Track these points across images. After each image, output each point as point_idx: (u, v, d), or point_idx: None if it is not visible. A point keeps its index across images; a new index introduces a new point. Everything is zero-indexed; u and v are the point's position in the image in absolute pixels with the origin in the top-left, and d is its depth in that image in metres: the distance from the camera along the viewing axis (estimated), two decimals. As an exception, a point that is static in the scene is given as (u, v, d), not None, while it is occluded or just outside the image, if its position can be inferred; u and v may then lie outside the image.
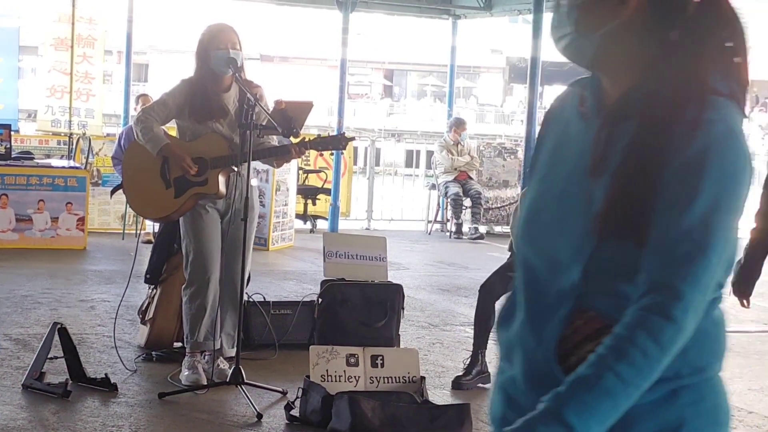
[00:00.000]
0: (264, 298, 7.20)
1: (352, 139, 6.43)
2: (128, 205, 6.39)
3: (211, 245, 6.13)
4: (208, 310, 6.15)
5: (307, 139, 6.16)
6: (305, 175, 14.69)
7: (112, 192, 11.90)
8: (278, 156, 6.17)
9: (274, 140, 6.25)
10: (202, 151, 6.01)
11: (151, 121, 5.99)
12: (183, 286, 6.25)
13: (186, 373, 6.13)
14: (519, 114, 49.23)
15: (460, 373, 6.56)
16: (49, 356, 5.88)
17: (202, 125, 6.07)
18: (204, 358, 6.27)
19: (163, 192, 6.07)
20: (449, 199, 14.79)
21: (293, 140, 6.12)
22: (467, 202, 14.87)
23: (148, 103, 6.29)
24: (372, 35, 47.99)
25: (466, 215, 15.02)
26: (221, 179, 6.03)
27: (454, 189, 14.64)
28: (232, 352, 6.24)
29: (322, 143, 6.16)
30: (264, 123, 6.01)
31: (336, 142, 6.16)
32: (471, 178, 14.72)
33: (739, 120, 1.94)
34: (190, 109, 6.06)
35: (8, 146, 11.33)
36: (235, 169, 6.09)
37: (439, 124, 36.93)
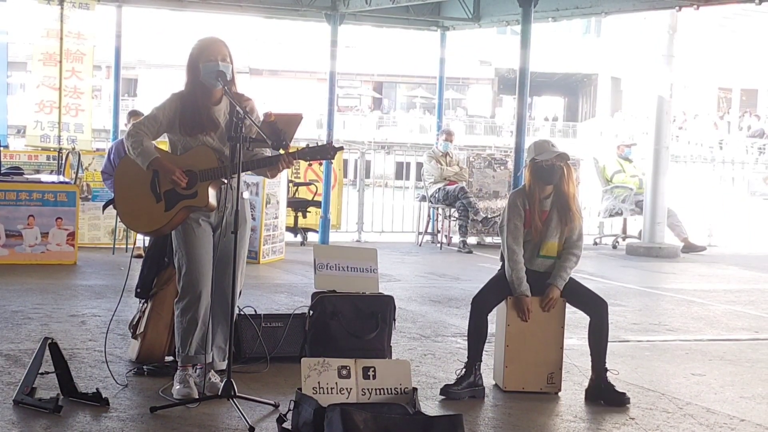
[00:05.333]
0: (255, 311, 7.19)
1: (341, 148, 6.42)
2: (119, 220, 6.35)
3: (202, 259, 6.13)
4: (200, 323, 6.14)
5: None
6: (295, 187, 14.69)
7: (104, 207, 11.87)
8: (266, 166, 6.17)
9: (267, 152, 6.25)
10: (191, 164, 6.00)
11: (141, 136, 5.99)
12: (175, 300, 6.24)
13: (177, 387, 6.12)
14: (508, 125, 49.35)
15: (451, 383, 6.56)
16: (40, 371, 5.86)
17: (192, 138, 6.06)
18: (195, 372, 6.26)
19: (153, 205, 6.06)
20: (446, 195, 14.76)
21: (282, 152, 6.11)
22: (454, 213, 14.89)
23: (139, 119, 6.28)
24: (361, 48, 48.12)
25: (454, 228, 15.05)
26: (211, 192, 6.02)
27: (448, 189, 14.71)
28: (223, 365, 6.23)
29: (310, 153, 6.15)
30: (254, 136, 6.01)
31: (324, 152, 6.15)
32: (464, 189, 14.71)
33: None
34: (181, 123, 6.06)
35: (-3, 162, 11.32)
36: (225, 181, 6.08)
37: (429, 136, 36.98)
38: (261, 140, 5.97)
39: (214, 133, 6.09)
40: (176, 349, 6.24)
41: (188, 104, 6.08)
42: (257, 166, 6.14)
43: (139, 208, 6.13)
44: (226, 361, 6.22)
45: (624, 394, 6.54)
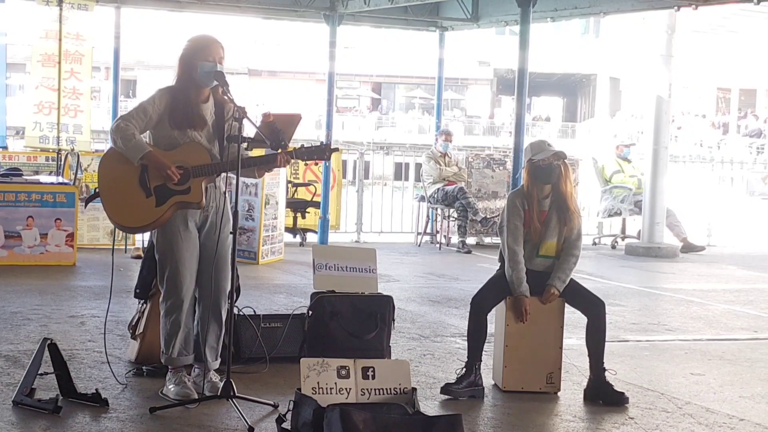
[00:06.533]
0: (254, 311, 7.19)
1: (336, 149, 6.43)
2: (106, 215, 6.21)
3: (187, 262, 6.08)
4: (182, 326, 6.12)
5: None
6: (294, 188, 14.68)
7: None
8: (264, 165, 6.16)
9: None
10: (182, 159, 5.97)
11: (132, 129, 5.91)
12: (160, 300, 6.23)
13: (172, 387, 6.11)
14: (507, 126, 49.34)
15: (451, 381, 6.57)
16: (39, 372, 5.86)
17: (181, 133, 6.01)
18: (194, 372, 6.26)
19: (143, 201, 5.98)
20: (445, 196, 14.76)
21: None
22: (453, 214, 14.89)
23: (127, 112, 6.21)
24: (360, 49, 48.12)
25: (453, 228, 15.05)
26: (204, 188, 6.02)
27: (447, 189, 14.72)
28: (216, 365, 6.23)
29: (307, 152, 6.17)
30: (252, 136, 6.02)
31: (320, 152, 6.17)
32: (463, 189, 14.71)
33: None
34: (171, 116, 6.01)
35: (-4, 163, 11.32)
36: (216, 178, 6.09)
37: (428, 137, 36.99)
38: (260, 140, 5.97)
39: (201, 131, 6.08)
40: (161, 350, 6.23)
41: (180, 98, 6.06)
42: (254, 164, 6.13)
43: (127, 204, 6.02)
44: (218, 360, 6.24)
45: (622, 393, 6.55)
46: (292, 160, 6.15)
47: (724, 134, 46.71)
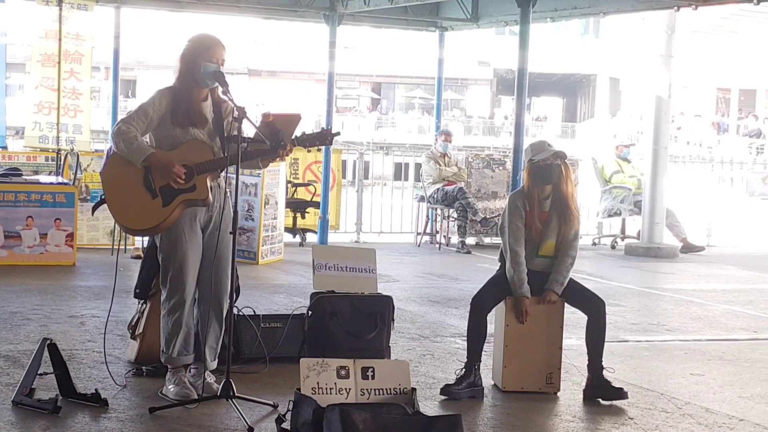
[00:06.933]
0: (254, 311, 7.19)
1: (338, 134, 6.44)
2: (114, 220, 6.21)
3: (190, 262, 6.08)
4: (183, 326, 6.12)
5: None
6: (294, 188, 14.68)
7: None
8: (266, 156, 6.16)
9: None
10: (185, 158, 5.96)
11: (133, 131, 5.91)
12: (162, 300, 6.22)
13: (172, 388, 6.11)
14: (507, 126, 49.33)
15: (451, 382, 6.57)
16: (39, 372, 5.86)
17: (183, 131, 6.01)
18: (190, 372, 6.26)
19: (149, 202, 5.97)
20: (445, 196, 14.77)
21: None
22: (453, 214, 14.89)
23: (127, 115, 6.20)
24: (359, 49, 48.11)
25: (453, 228, 15.05)
26: (209, 185, 6.02)
27: (446, 189, 14.73)
28: (214, 365, 6.23)
29: (309, 139, 6.20)
30: (251, 136, 6.03)
31: (322, 138, 6.21)
32: (463, 189, 14.71)
33: None
34: (173, 115, 6.01)
35: (-4, 163, 11.32)
36: (221, 175, 6.10)
37: (428, 137, 37.00)
38: (259, 140, 5.98)
39: (203, 129, 6.09)
40: (161, 350, 6.23)
41: (182, 97, 6.06)
42: (256, 155, 6.14)
43: (134, 206, 6.00)
44: (216, 361, 6.23)
45: (621, 388, 6.55)
46: (294, 148, 6.18)
47: (719, 134, 46.68)
